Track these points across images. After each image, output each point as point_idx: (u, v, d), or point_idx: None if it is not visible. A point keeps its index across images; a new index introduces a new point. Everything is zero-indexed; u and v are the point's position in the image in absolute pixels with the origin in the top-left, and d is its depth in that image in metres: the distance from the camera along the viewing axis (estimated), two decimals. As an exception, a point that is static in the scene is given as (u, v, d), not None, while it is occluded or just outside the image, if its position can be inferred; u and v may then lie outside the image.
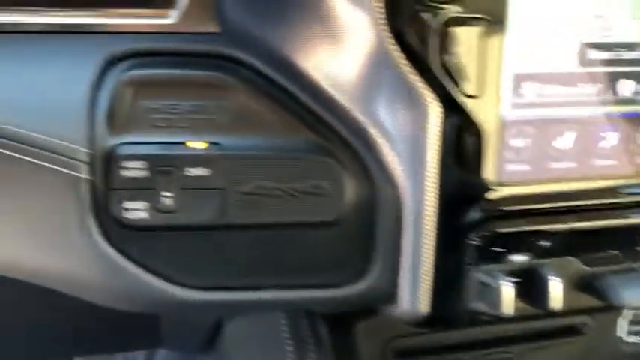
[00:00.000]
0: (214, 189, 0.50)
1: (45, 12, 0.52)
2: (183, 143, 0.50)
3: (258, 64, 0.52)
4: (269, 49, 0.52)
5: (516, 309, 0.52)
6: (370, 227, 0.52)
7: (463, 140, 0.50)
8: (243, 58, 0.52)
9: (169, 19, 0.53)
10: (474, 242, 0.53)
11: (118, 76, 0.50)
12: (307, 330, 0.63)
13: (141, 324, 0.83)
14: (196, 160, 0.49)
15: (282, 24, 0.51)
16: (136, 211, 0.49)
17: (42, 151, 0.48)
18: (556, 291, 0.52)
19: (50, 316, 0.81)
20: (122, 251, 0.50)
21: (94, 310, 0.61)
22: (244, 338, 0.71)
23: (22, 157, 0.48)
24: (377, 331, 0.63)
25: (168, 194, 0.49)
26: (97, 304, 0.54)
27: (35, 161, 0.48)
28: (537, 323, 0.62)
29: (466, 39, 0.48)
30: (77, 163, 0.48)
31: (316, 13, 0.49)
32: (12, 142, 0.48)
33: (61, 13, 0.52)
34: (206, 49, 0.52)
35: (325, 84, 0.51)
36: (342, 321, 0.62)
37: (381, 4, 0.47)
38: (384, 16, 0.47)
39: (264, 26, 0.51)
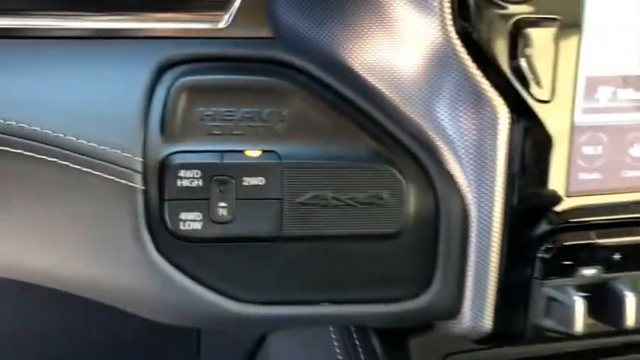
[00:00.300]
0: (270, 199, 0.48)
1: (95, 17, 0.51)
2: (238, 151, 0.48)
3: (313, 68, 0.50)
4: (324, 53, 0.50)
5: (586, 326, 0.49)
6: (433, 240, 0.50)
7: (532, 147, 0.48)
8: (297, 63, 0.50)
9: (221, 23, 0.51)
10: (542, 255, 0.50)
11: (171, 82, 0.48)
12: (360, 345, 0.61)
13: (178, 337, 0.81)
14: (252, 169, 0.47)
15: (337, 26, 0.49)
16: (190, 221, 0.47)
17: (95, 160, 0.46)
18: (632, 308, 0.49)
19: (87, 327, 0.80)
20: (175, 263, 0.48)
21: (130, 323, 0.59)
22: (290, 353, 0.68)
23: (75, 165, 0.46)
24: (432, 347, 0.60)
25: (223, 204, 0.47)
26: (133, 317, 0.53)
27: (88, 170, 0.46)
28: (603, 340, 0.59)
29: (538, 40, 0.45)
30: (131, 172, 0.46)
31: (374, 13, 0.47)
32: (65, 151, 0.46)
33: (111, 18, 0.51)
34: (260, 54, 0.51)
35: (383, 87, 0.49)
36: (395, 336, 0.60)
37: (449, 3, 0.44)
38: (451, 14, 0.45)
39: (319, 29, 0.49)
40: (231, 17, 0.51)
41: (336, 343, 0.62)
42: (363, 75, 0.49)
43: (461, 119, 0.47)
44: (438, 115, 0.48)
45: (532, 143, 0.48)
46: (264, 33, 0.52)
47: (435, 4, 0.45)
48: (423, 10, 0.46)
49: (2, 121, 0.46)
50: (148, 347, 0.83)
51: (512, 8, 0.45)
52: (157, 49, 0.49)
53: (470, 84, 0.46)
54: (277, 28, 0.51)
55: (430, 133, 0.48)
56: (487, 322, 0.51)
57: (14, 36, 0.50)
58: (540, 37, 0.45)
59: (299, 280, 0.51)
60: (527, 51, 0.45)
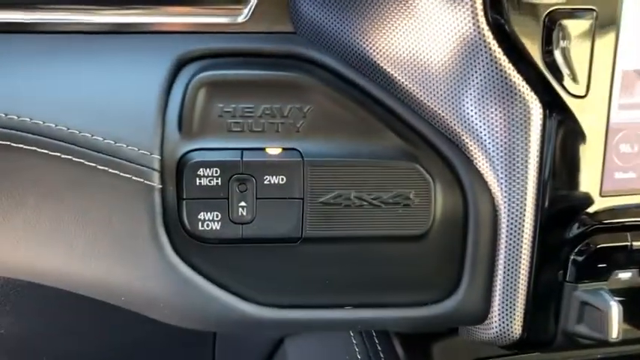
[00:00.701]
0: (291, 198, 0.46)
1: (110, 11, 0.49)
2: (259, 149, 0.46)
3: (335, 63, 0.49)
4: (346, 47, 0.48)
5: (621, 332, 0.47)
6: (460, 241, 0.48)
7: (566, 145, 0.46)
8: (319, 57, 0.49)
9: (240, 17, 0.50)
10: (575, 258, 0.48)
11: (189, 78, 0.46)
12: (382, 351, 0.59)
13: (193, 341, 0.80)
14: (273, 167, 0.46)
15: (361, 18, 0.47)
16: (209, 221, 0.46)
17: (111, 158, 0.45)
18: (671, 313, 0.47)
19: (100, 330, 0.79)
20: (193, 265, 0.47)
21: (144, 327, 0.57)
22: (309, 358, 0.66)
23: (90, 163, 0.45)
24: (457, 352, 0.58)
25: (242, 204, 0.46)
26: (147, 320, 0.51)
27: (103, 168, 0.45)
28: (638, 347, 0.56)
29: (574, 32, 0.43)
30: (148, 170, 0.45)
31: (400, 3, 0.45)
32: (80, 148, 0.45)
33: (127, 12, 0.49)
34: (280, 49, 0.49)
35: (408, 82, 0.47)
36: (418, 340, 0.58)
37: None
38: (482, 5, 0.43)
39: (342, 22, 0.48)
40: (251, 11, 0.50)
41: (357, 348, 0.60)
42: (387, 69, 0.47)
43: (490, 114, 0.45)
44: (466, 110, 0.46)
45: (565, 140, 0.45)
46: (285, 27, 0.50)
47: None
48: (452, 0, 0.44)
49: (16, 118, 0.45)
50: (162, 351, 0.82)
51: (547, -2, 0.43)
52: (175, 44, 0.48)
53: (500, 78, 0.44)
54: (298, 21, 0.50)
55: (458, 129, 0.46)
56: (516, 328, 0.49)
57: (28, 30, 0.48)
58: (576, 29, 0.43)
59: (320, 283, 0.49)
60: (563, 43, 0.43)
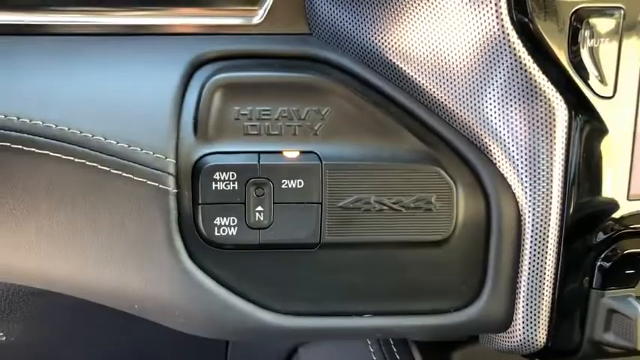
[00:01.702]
0: (310, 203, 0.45)
1: (123, 12, 0.48)
2: (276, 152, 0.45)
3: (352, 65, 0.48)
4: (364, 48, 0.47)
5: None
6: (483, 247, 0.47)
7: (592, 147, 0.44)
8: (335, 59, 0.48)
9: (255, 18, 0.49)
10: (601, 264, 0.47)
11: (204, 80, 0.45)
12: (400, 359, 0.57)
13: (205, 349, 0.78)
14: (291, 170, 0.45)
15: (379, 17, 0.46)
16: (225, 227, 0.45)
17: (124, 161, 0.44)
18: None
19: (112, 340, 0.78)
20: (208, 271, 0.46)
21: (156, 335, 0.56)
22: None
23: (104, 167, 0.44)
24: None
25: (259, 208, 0.45)
26: (160, 328, 0.50)
27: (117, 172, 0.44)
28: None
29: (602, 31, 0.42)
30: (163, 174, 0.44)
31: (422, 2, 0.44)
32: (93, 152, 0.44)
33: (139, 14, 0.49)
34: (296, 51, 0.48)
35: (428, 82, 0.46)
36: (437, 348, 0.57)
37: None
38: (506, 3, 0.41)
39: (359, 21, 0.47)
40: (266, 12, 0.49)
41: (374, 357, 0.58)
42: (407, 70, 0.46)
43: (513, 116, 0.44)
44: (488, 111, 0.45)
45: (591, 143, 0.44)
46: (300, 28, 0.50)
47: None
48: None
49: (28, 121, 0.44)
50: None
51: (573, -4, 0.42)
52: (189, 46, 0.47)
53: (524, 78, 0.43)
54: (314, 22, 0.49)
55: (479, 131, 0.45)
56: (541, 336, 0.48)
57: (41, 32, 0.48)
58: (604, 28, 0.42)
59: (339, 290, 0.48)
60: (590, 42, 0.42)
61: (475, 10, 0.43)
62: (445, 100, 0.45)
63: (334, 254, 0.46)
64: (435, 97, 0.46)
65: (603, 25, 0.42)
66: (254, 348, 0.76)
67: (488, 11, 0.42)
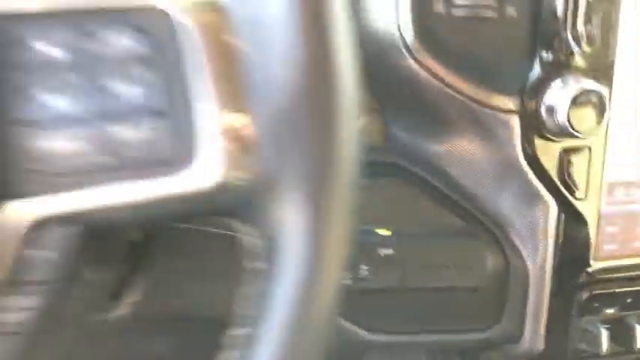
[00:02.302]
0: (398, 262, 0.68)
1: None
2: (373, 231, 0.71)
3: (417, 170, 0.73)
4: (426, 160, 0.72)
5: (610, 348, 0.72)
6: (503, 289, 0.71)
7: (572, 229, 0.71)
8: (402, 163, 0.73)
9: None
10: (579, 299, 0.69)
11: None
12: (444, 360, 0.83)
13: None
14: (384, 242, 0.70)
15: (439, 142, 0.71)
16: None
17: None
18: (640, 335, 0.72)
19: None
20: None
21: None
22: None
23: None
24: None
25: (364, 267, 0.70)
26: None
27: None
28: (622, 358, 0.81)
29: (577, 161, 0.68)
30: None
31: (470, 130, 0.68)
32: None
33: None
34: (374, 159, 0.72)
35: (469, 185, 0.72)
36: (471, 354, 0.83)
37: (519, 137, 0.67)
38: (520, 142, 0.67)
39: (423, 143, 0.72)
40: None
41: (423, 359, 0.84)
42: (456, 176, 0.71)
43: (522, 210, 0.69)
44: (504, 206, 0.70)
45: (572, 227, 0.70)
46: (379, 142, 0.74)
47: (506, 135, 0.68)
48: (501, 131, 0.66)
49: None
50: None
51: (559, 140, 0.68)
52: None
53: (529, 188, 0.69)
54: (388, 139, 0.74)
55: (500, 218, 0.71)
56: (540, 345, 0.73)
57: None
58: (579, 160, 0.68)
59: (410, 316, 0.73)
60: (570, 168, 0.68)
61: (499, 144, 0.69)
62: (480, 199, 0.71)
63: (409, 293, 0.72)
64: (475, 196, 0.69)
65: (579, 158, 0.67)
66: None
67: (508, 146, 0.68)
